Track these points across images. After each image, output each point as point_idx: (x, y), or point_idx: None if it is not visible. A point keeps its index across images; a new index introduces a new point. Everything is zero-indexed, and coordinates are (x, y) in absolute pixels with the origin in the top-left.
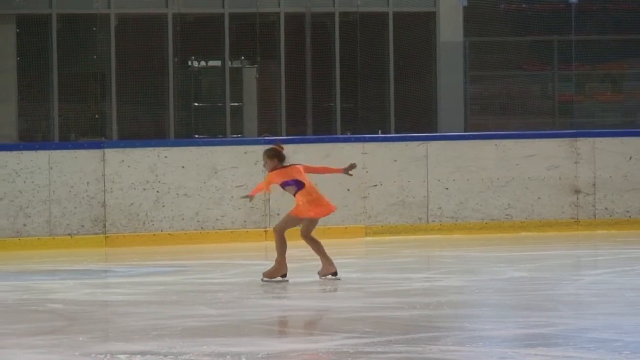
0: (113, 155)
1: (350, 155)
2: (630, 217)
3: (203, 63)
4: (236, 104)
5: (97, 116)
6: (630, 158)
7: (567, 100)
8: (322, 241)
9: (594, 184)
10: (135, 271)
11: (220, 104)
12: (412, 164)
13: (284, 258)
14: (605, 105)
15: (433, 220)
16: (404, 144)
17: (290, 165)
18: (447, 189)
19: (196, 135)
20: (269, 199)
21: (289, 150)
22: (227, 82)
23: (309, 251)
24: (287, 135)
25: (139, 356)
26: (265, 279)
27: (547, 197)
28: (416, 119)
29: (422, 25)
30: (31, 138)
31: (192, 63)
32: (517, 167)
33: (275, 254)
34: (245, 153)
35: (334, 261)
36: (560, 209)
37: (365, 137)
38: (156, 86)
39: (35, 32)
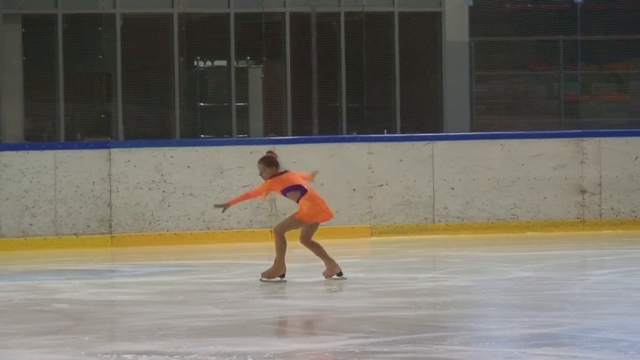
0: (119, 155)
1: (356, 155)
2: (636, 217)
3: (209, 63)
4: (242, 103)
5: (103, 116)
6: (636, 158)
7: (572, 100)
8: (328, 241)
9: (600, 184)
10: (141, 271)
11: (226, 104)
12: (418, 163)
13: (283, 258)
14: (611, 105)
15: (439, 220)
16: (409, 143)
17: (285, 172)
18: (453, 188)
19: (202, 135)
20: (275, 199)
21: (295, 150)
22: (233, 82)
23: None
24: (292, 135)
25: (145, 356)
26: (263, 279)
27: (553, 197)
28: (422, 119)
29: (428, 25)
30: (37, 138)
31: (197, 63)
32: (522, 167)
33: (275, 254)
34: (251, 153)
35: (340, 261)
36: (566, 208)
37: (371, 137)
38: (162, 86)
39: (41, 32)
